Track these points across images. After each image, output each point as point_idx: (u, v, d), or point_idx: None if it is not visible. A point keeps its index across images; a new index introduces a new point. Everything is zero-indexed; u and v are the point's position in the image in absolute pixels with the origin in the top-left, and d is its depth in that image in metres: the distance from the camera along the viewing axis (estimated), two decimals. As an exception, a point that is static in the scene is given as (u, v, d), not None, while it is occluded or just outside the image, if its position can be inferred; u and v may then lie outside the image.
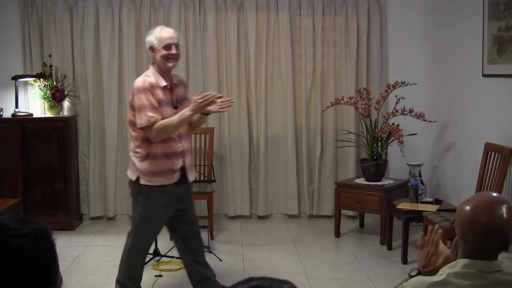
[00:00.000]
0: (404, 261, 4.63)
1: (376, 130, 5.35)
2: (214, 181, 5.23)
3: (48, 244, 1.16)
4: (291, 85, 5.95)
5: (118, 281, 3.83)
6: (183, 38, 5.89)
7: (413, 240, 4.99)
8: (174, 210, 3.68)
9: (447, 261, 1.92)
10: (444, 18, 5.56)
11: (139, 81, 3.54)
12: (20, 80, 5.69)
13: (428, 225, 4.33)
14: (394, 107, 5.41)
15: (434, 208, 4.59)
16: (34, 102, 5.86)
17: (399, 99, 5.40)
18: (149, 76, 3.55)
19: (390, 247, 5.01)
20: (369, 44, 5.98)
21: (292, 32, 5.94)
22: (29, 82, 5.78)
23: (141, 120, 3.46)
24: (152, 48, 3.55)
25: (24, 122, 5.58)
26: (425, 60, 5.95)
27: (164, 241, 5.08)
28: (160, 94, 3.53)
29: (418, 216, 4.57)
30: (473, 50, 4.83)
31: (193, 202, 3.87)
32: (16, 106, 5.64)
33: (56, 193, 5.64)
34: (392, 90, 5.39)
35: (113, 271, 4.51)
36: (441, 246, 2.01)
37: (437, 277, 1.75)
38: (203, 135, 5.76)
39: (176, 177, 3.60)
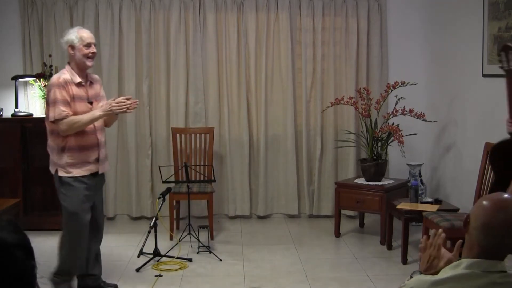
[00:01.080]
0: (404, 261, 4.63)
1: (376, 130, 5.35)
2: (214, 181, 5.23)
3: (27, 253, 1.11)
4: (291, 85, 5.95)
5: (53, 273, 3.92)
6: (183, 38, 5.89)
7: (413, 240, 5.00)
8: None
9: (448, 263, 1.92)
10: (444, 18, 5.56)
11: (55, 77, 3.74)
12: (20, 80, 5.69)
13: (428, 225, 4.34)
14: (394, 107, 5.41)
15: (434, 208, 4.59)
16: (34, 102, 5.86)
17: (399, 99, 5.40)
18: (65, 73, 3.76)
19: (390, 247, 5.01)
20: (369, 44, 5.98)
21: (292, 32, 5.94)
22: (29, 82, 5.78)
23: (53, 113, 3.66)
24: (72, 47, 3.76)
25: (24, 122, 5.58)
26: (425, 60, 5.95)
27: (164, 241, 5.08)
28: (74, 90, 3.71)
29: (418, 216, 4.57)
30: (473, 50, 4.82)
31: (102, 194, 4.04)
32: (16, 106, 5.64)
33: (56, 193, 5.62)
34: (392, 90, 5.39)
35: (113, 271, 4.52)
36: (443, 250, 2.02)
37: (438, 276, 1.75)
38: (203, 135, 5.76)
39: (92, 168, 3.79)
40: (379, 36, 5.97)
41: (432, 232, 2.11)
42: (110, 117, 3.87)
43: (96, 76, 3.99)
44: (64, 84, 3.68)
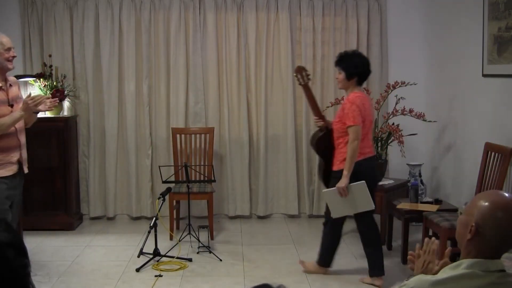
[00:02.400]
0: (404, 261, 4.63)
1: (376, 130, 5.35)
2: (214, 181, 5.23)
3: (15, 250, 1.09)
4: (291, 85, 5.95)
5: None
6: (183, 38, 5.89)
7: (413, 240, 4.99)
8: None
9: (444, 266, 1.91)
10: (444, 18, 5.56)
11: None
12: (20, 80, 5.67)
13: (428, 225, 4.34)
14: (394, 107, 5.41)
15: (434, 208, 4.59)
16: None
17: (399, 99, 5.40)
18: None
19: (390, 247, 5.01)
20: (369, 44, 5.98)
21: (292, 32, 5.94)
22: (29, 82, 5.78)
23: None
24: None
25: (24, 122, 5.58)
26: (425, 60, 5.95)
27: (164, 241, 5.08)
28: None
29: (418, 216, 4.57)
30: (473, 50, 4.82)
31: (21, 195, 4.03)
32: (16, 106, 5.64)
33: (56, 193, 5.64)
34: (392, 90, 5.39)
35: (113, 271, 4.53)
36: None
37: (439, 276, 1.75)
38: (203, 135, 5.77)
39: (14, 169, 3.84)
40: (379, 36, 5.96)
41: (425, 240, 2.11)
42: (29, 117, 3.94)
43: (13, 78, 4.07)
44: None
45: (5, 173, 3.80)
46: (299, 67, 4.41)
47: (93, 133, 5.97)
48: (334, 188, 4.10)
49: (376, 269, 4.21)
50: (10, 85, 3.93)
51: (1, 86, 3.83)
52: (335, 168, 4.16)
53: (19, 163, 3.90)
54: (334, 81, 5.98)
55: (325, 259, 4.41)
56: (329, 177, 4.25)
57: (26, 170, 3.98)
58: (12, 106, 3.88)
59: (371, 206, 4.12)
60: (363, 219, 4.23)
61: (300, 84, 4.38)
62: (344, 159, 4.05)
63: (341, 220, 4.33)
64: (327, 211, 4.33)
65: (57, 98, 4.04)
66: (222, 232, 5.63)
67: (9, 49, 3.89)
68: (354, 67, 4.11)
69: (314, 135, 4.51)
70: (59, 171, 5.62)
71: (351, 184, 4.05)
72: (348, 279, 4.35)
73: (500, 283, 1.71)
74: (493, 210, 1.72)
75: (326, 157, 4.28)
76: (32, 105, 3.77)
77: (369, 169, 4.16)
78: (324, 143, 4.31)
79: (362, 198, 4.09)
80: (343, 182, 4.03)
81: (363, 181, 4.04)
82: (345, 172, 4.02)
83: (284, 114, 6.03)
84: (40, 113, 4.12)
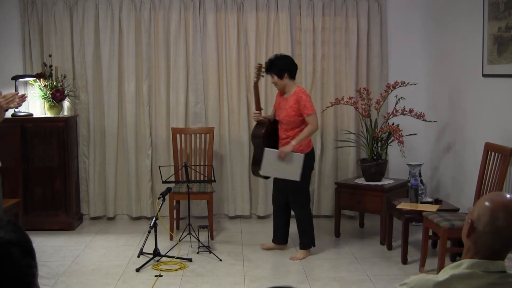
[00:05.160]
0: (404, 261, 4.63)
1: (376, 130, 5.35)
2: (214, 181, 5.23)
3: (21, 249, 1.09)
4: (291, 85, 5.95)
5: None
6: (183, 38, 5.89)
7: (413, 240, 4.99)
8: None
9: None
10: (444, 18, 5.56)
11: None
12: (20, 80, 5.69)
13: (428, 225, 4.34)
14: (394, 107, 5.41)
15: (434, 208, 4.59)
16: (34, 102, 5.86)
17: (399, 99, 5.40)
18: None
19: (390, 247, 5.01)
20: (369, 44, 5.98)
21: (292, 32, 5.94)
22: (29, 82, 5.78)
23: None
24: None
25: (24, 122, 5.59)
26: (425, 60, 5.95)
27: (164, 241, 5.08)
28: None
29: (418, 216, 4.57)
30: (473, 50, 4.82)
31: (1, 192, 4.02)
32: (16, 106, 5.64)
33: (56, 193, 5.64)
34: (392, 90, 5.39)
35: (113, 271, 4.53)
36: None
37: (441, 277, 1.75)
38: (203, 135, 5.76)
39: None
40: (379, 36, 5.96)
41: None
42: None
43: None
44: None
45: None
46: (260, 64, 4.92)
47: (93, 133, 5.97)
48: (277, 150, 4.63)
49: (309, 242, 4.85)
50: None
51: None
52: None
53: None
54: (334, 81, 5.99)
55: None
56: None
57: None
58: None
59: (298, 177, 4.60)
60: (297, 201, 4.81)
61: (255, 79, 4.87)
62: (299, 146, 4.62)
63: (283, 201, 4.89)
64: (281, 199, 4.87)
65: (25, 94, 4.00)
66: (222, 232, 5.63)
67: None
68: (280, 67, 4.67)
69: (257, 130, 4.87)
70: (59, 171, 5.62)
71: (293, 152, 4.60)
72: (348, 279, 4.35)
73: (500, 284, 1.71)
74: (490, 208, 1.75)
75: (270, 147, 4.71)
76: (4, 103, 3.77)
77: (313, 159, 4.84)
78: (274, 134, 4.80)
79: (294, 168, 4.60)
80: (288, 148, 4.60)
81: (303, 154, 4.60)
82: (293, 142, 4.60)
83: (284, 114, 6.03)
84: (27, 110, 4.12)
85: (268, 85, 5.73)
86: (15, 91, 5.61)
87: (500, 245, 1.75)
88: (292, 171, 4.61)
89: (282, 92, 4.83)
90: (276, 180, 4.92)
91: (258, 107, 4.89)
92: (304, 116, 4.61)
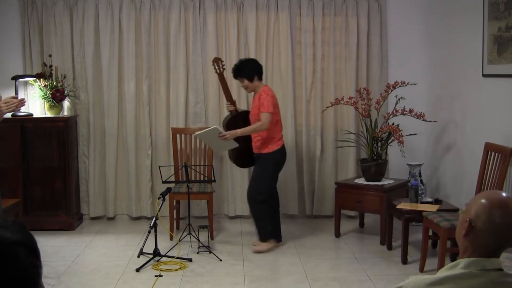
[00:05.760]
0: (404, 261, 4.63)
1: (376, 130, 5.35)
2: (214, 181, 5.23)
3: (26, 249, 1.10)
4: (291, 85, 5.95)
5: None
6: (183, 38, 5.89)
7: (413, 240, 4.99)
8: None
9: None
10: (444, 18, 5.56)
11: None
12: (20, 80, 5.69)
13: (428, 225, 4.34)
14: (394, 107, 5.41)
15: (434, 208, 4.59)
16: (34, 102, 5.86)
17: (399, 99, 5.40)
18: None
19: (390, 247, 5.01)
20: (369, 44, 5.98)
21: (292, 32, 5.94)
22: (29, 82, 5.78)
23: None
24: None
25: (24, 122, 5.59)
26: (425, 60, 5.95)
27: (164, 241, 5.08)
28: None
29: (418, 216, 4.57)
30: (473, 50, 4.82)
31: None
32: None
33: (56, 193, 5.64)
34: (392, 90, 5.39)
35: (113, 271, 4.53)
36: None
37: (435, 277, 1.75)
38: (203, 135, 5.76)
39: None
40: (379, 36, 5.96)
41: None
42: None
43: None
44: None
45: None
46: (216, 58, 5.19)
47: (93, 133, 5.97)
48: (223, 131, 4.88)
49: (266, 234, 5.03)
50: None
51: None
52: (265, 151, 4.94)
53: None
54: (334, 81, 5.99)
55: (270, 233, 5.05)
56: (245, 156, 5.08)
57: None
58: None
59: (235, 145, 4.93)
60: (256, 199, 4.98)
61: (216, 72, 5.13)
62: (267, 143, 4.92)
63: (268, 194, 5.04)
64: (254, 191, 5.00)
65: (24, 99, 4.03)
66: (222, 232, 5.63)
67: None
68: (249, 70, 4.90)
69: (226, 118, 5.21)
70: (59, 171, 5.62)
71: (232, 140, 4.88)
72: (348, 279, 4.35)
73: (498, 283, 1.71)
74: (487, 206, 1.75)
75: (238, 138, 4.92)
76: (5, 108, 3.80)
77: (283, 157, 5.06)
78: (235, 124, 5.01)
79: (221, 148, 5.05)
80: (233, 134, 4.83)
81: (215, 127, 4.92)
82: (239, 131, 4.84)
83: (284, 114, 6.02)
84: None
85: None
86: (15, 91, 5.62)
87: (497, 243, 1.75)
88: (218, 148, 5.04)
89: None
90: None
91: (229, 99, 5.14)
92: (260, 111, 4.84)
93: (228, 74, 5.29)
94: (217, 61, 5.14)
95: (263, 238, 5.06)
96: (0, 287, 1.05)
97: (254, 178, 5.01)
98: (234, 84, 5.64)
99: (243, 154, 5.12)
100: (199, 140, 5.76)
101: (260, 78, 4.99)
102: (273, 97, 4.91)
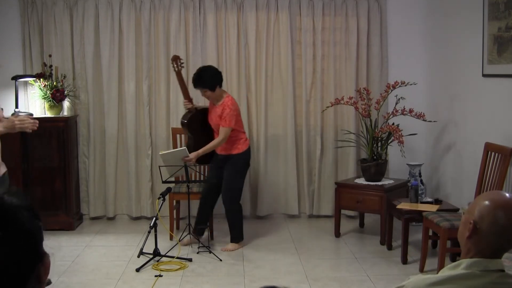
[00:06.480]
0: (404, 261, 4.63)
1: (376, 130, 5.35)
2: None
3: (30, 213, 1.12)
4: (291, 85, 5.95)
5: None
6: (183, 38, 5.89)
7: (413, 240, 4.99)
8: None
9: None
10: (444, 18, 5.56)
11: None
12: (20, 80, 5.69)
13: (428, 225, 4.34)
14: (394, 107, 5.41)
15: (434, 208, 4.59)
16: (34, 102, 5.86)
17: (399, 99, 5.40)
18: None
19: (390, 247, 5.01)
20: (369, 44, 5.98)
21: (292, 32, 5.94)
22: (29, 82, 5.78)
23: None
24: None
25: (24, 122, 5.57)
26: (425, 60, 5.95)
27: (164, 241, 5.08)
28: None
29: (418, 216, 4.57)
30: (473, 50, 4.82)
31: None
32: (16, 106, 5.64)
33: (56, 193, 5.64)
34: (392, 90, 5.39)
35: (113, 271, 4.53)
36: None
37: (436, 277, 1.74)
38: (203, 135, 5.76)
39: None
40: (379, 36, 5.96)
41: None
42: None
43: None
44: None
45: None
46: (174, 56, 5.19)
47: (93, 133, 5.97)
48: (179, 149, 4.99)
49: (239, 236, 5.11)
50: None
51: None
52: (235, 151, 5.01)
53: None
54: (334, 81, 5.99)
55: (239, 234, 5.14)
56: (206, 156, 5.05)
57: (1, 171, 4.03)
58: None
59: (183, 172, 4.93)
60: (231, 196, 5.05)
61: (174, 70, 5.15)
62: (236, 144, 5.00)
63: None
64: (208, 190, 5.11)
65: (37, 122, 3.98)
66: (222, 232, 5.62)
67: None
68: (211, 80, 4.88)
69: (185, 115, 5.18)
70: (59, 171, 5.62)
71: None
72: (348, 279, 4.35)
73: (499, 283, 1.71)
74: (492, 208, 1.74)
75: (198, 134, 5.07)
76: (18, 126, 3.79)
77: (250, 156, 5.19)
78: (196, 121, 5.12)
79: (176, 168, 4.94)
80: (195, 155, 4.88)
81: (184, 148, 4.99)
82: (200, 151, 4.89)
83: (284, 114, 6.03)
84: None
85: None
86: (15, 91, 5.62)
87: (501, 244, 1.75)
88: (171, 171, 4.91)
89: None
90: (212, 172, 5.16)
91: (186, 96, 5.15)
92: (220, 125, 4.90)
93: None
94: (175, 59, 5.13)
95: (238, 238, 5.12)
96: (6, 246, 1.07)
97: (228, 180, 5.02)
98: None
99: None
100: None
101: (221, 86, 4.98)
102: (236, 111, 4.95)
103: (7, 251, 1.06)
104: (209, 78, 4.89)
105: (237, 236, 5.12)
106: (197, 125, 5.12)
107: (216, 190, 5.14)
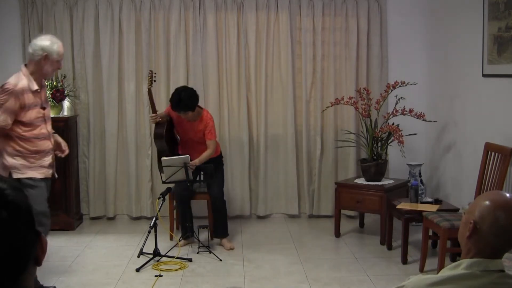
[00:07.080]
0: (404, 261, 4.63)
1: (376, 130, 5.35)
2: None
3: (19, 191, 1.12)
4: (291, 85, 5.95)
5: None
6: (183, 38, 5.89)
7: (413, 240, 5.00)
8: None
9: None
10: (444, 18, 5.56)
11: (12, 82, 3.75)
12: (20, 80, 5.68)
13: (428, 225, 4.34)
14: (394, 107, 5.41)
15: (434, 208, 4.59)
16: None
17: (399, 99, 5.40)
18: (22, 79, 3.79)
19: (390, 247, 5.01)
20: (369, 44, 5.98)
21: (292, 32, 5.94)
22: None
23: None
24: (47, 57, 3.85)
25: (24, 122, 5.57)
26: (425, 60, 5.95)
27: (164, 241, 5.08)
28: (28, 98, 3.77)
29: (418, 216, 4.57)
30: (473, 50, 4.82)
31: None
32: (16, 106, 5.64)
33: (56, 193, 5.62)
34: (392, 90, 5.39)
35: (113, 271, 4.53)
36: None
37: (436, 277, 1.74)
38: (203, 135, 5.76)
39: (46, 173, 3.91)
40: (379, 36, 5.96)
41: None
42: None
43: (44, 80, 4.08)
44: (21, 93, 3.73)
45: (36, 174, 3.83)
46: (151, 71, 5.20)
47: (93, 133, 5.97)
48: (180, 157, 4.94)
49: (225, 230, 5.20)
50: (43, 87, 3.99)
51: (37, 89, 3.83)
52: (216, 154, 5.17)
53: (51, 167, 3.97)
54: (334, 81, 5.99)
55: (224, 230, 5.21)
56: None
57: (56, 175, 4.09)
58: (44, 109, 3.91)
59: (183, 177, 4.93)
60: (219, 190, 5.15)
61: (149, 86, 5.14)
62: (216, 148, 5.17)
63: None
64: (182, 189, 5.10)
65: (67, 152, 4.23)
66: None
67: (60, 61, 3.95)
68: (194, 102, 4.91)
69: (159, 130, 5.13)
70: (59, 171, 5.59)
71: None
72: (348, 279, 4.35)
73: (499, 283, 1.71)
74: (492, 208, 1.74)
75: (171, 146, 5.15)
76: (59, 154, 4.07)
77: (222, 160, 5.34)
78: (168, 134, 5.15)
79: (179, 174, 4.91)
80: (197, 163, 4.89)
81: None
82: (196, 161, 4.89)
83: (284, 114, 6.03)
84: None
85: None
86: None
87: (501, 244, 1.75)
88: (172, 175, 4.86)
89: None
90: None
91: (154, 110, 5.14)
92: (206, 139, 5.02)
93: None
94: (151, 74, 5.17)
95: (227, 234, 5.22)
96: (12, 226, 1.06)
97: (218, 181, 5.14)
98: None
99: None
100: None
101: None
102: (214, 122, 5.14)
103: (13, 231, 1.05)
104: (194, 100, 4.94)
105: (227, 231, 5.25)
106: (169, 135, 5.19)
107: (188, 192, 5.18)
